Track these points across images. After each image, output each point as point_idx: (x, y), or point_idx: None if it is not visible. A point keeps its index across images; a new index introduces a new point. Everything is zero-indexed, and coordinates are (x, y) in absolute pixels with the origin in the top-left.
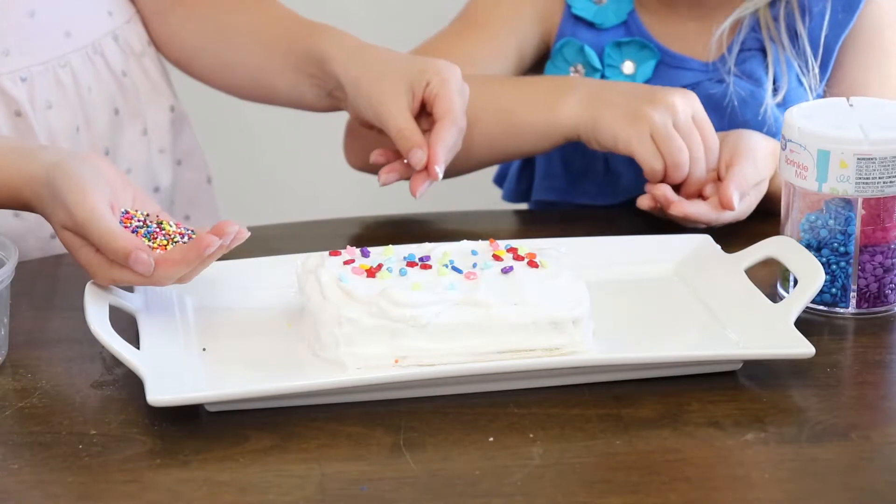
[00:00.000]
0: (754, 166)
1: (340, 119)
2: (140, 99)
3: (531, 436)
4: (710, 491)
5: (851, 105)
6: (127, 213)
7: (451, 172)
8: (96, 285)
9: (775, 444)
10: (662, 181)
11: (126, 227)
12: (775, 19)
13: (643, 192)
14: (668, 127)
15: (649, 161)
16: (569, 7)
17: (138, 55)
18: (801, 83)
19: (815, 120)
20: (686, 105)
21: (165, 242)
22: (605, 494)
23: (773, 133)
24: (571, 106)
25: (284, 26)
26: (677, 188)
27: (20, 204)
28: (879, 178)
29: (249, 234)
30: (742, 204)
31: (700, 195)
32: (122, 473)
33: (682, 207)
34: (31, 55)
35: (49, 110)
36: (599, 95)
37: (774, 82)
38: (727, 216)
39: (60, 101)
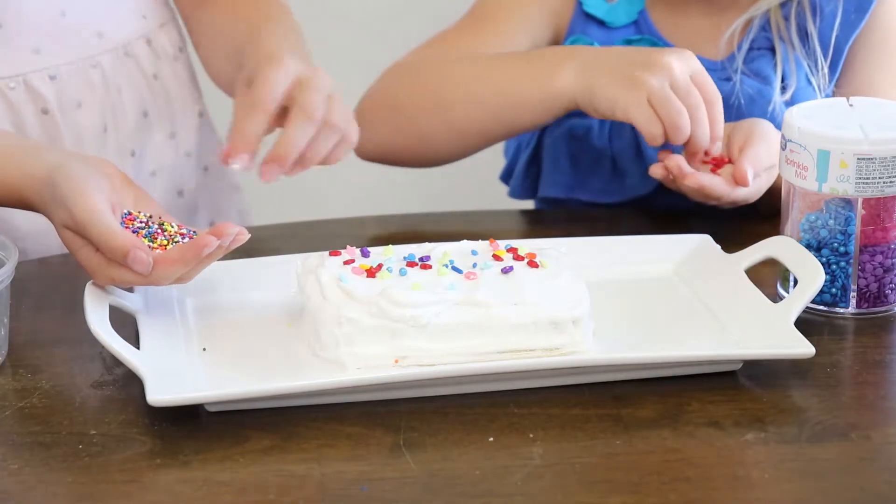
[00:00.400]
0: (768, 149)
1: None
2: (170, 102)
3: (531, 436)
4: (710, 491)
5: (851, 105)
6: (129, 214)
7: (461, 152)
8: (96, 285)
9: (775, 444)
10: (670, 145)
11: (128, 227)
12: (786, 19)
13: (649, 191)
14: (666, 90)
15: (648, 126)
16: (580, 4)
17: (171, 59)
18: (810, 83)
19: (815, 120)
20: (683, 65)
21: (166, 242)
22: (605, 494)
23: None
24: (568, 75)
25: (248, 33)
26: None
27: (24, 203)
28: (879, 178)
29: (249, 235)
30: (754, 184)
31: (714, 164)
32: (122, 473)
33: (697, 178)
34: (62, 54)
35: (78, 109)
36: (595, 62)
37: (783, 80)
38: (740, 192)
39: (89, 100)
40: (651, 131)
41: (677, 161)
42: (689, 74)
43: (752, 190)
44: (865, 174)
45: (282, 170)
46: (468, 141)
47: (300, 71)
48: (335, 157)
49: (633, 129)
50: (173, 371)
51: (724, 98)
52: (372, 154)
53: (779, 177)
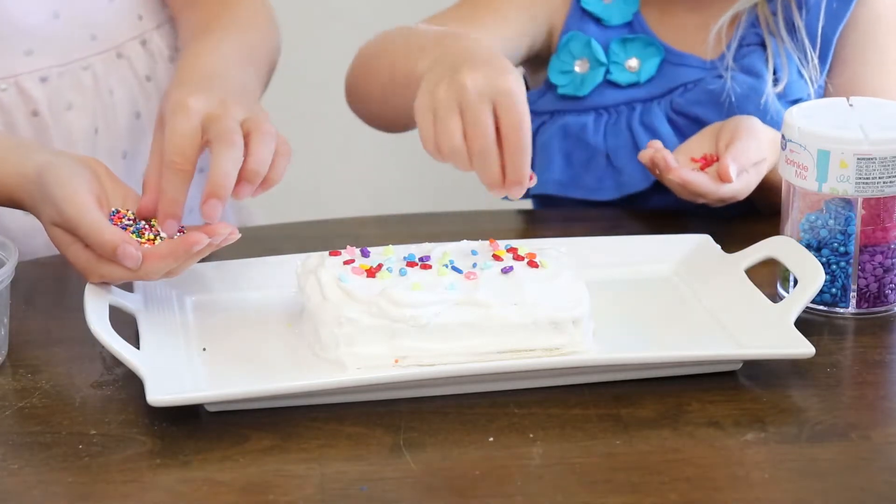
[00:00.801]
0: (756, 144)
1: (339, 120)
2: None
3: (531, 436)
4: (710, 491)
5: (851, 105)
6: (117, 212)
7: (394, 123)
8: (97, 284)
9: (775, 444)
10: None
11: (115, 225)
12: (773, 14)
13: (647, 188)
14: (445, 108)
15: (422, 140)
16: (577, 1)
17: (166, 60)
18: (801, 75)
19: (815, 120)
20: (484, 84)
21: (153, 237)
22: (605, 494)
23: (775, 124)
24: (426, 61)
25: (184, 43)
26: None
27: (13, 202)
28: (879, 178)
29: (240, 235)
30: (740, 181)
31: (703, 162)
32: (122, 473)
33: (680, 173)
34: (54, 56)
35: (68, 111)
36: (444, 57)
37: (774, 74)
38: (726, 189)
39: (79, 102)
40: (424, 144)
41: (664, 154)
42: (492, 97)
43: (740, 187)
44: (865, 174)
45: (223, 204)
46: (390, 113)
47: (207, 109)
48: (278, 170)
49: (628, 125)
50: (173, 371)
51: (715, 96)
52: (353, 110)
53: (779, 176)
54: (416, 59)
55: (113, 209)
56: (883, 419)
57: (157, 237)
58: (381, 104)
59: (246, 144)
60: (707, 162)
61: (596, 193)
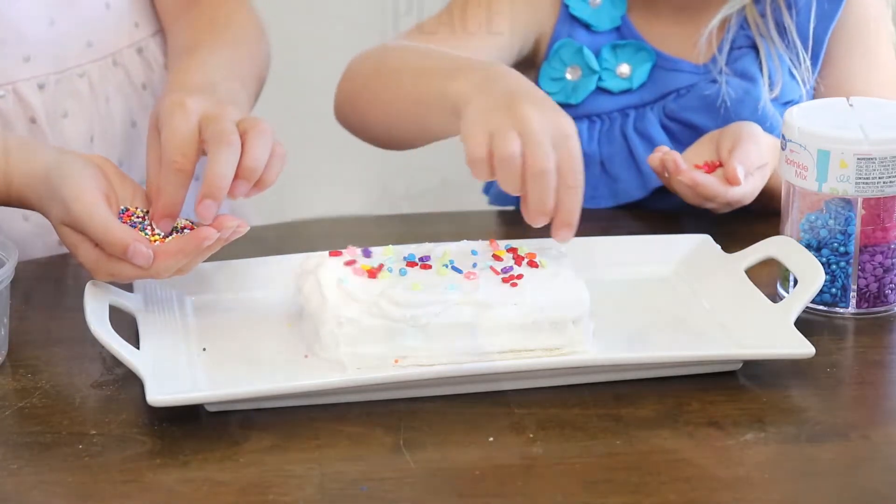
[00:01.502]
0: (758, 148)
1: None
2: None
3: (531, 436)
4: (710, 491)
5: (851, 105)
6: (126, 210)
7: (396, 143)
8: (96, 285)
9: (775, 444)
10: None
11: (125, 223)
12: (762, 15)
13: (644, 197)
14: (506, 128)
15: (472, 147)
16: (566, 7)
17: (162, 68)
18: (793, 77)
19: (815, 120)
20: (545, 123)
21: (163, 235)
22: (605, 494)
23: (771, 128)
24: (464, 82)
25: (176, 58)
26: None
27: (21, 202)
28: (879, 178)
29: (249, 227)
30: (747, 184)
31: (706, 168)
32: (122, 473)
33: (691, 175)
34: (51, 63)
35: (65, 119)
36: (487, 82)
37: (769, 77)
38: (734, 192)
39: (76, 110)
40: (473, 150)
41: (674, 156)
42: (553, 136)
43: (747, 190)
44: (865, 174)
45: (218, 205)
46: (395, 132)
47: (204, 109)
48: (272, 172)
49: (623, 133)
50: (173, 371)
51: (710, 102)
52: (344, 125)
53: (777, 177)
54: (446, 78)
55: (122, 207)
56: (883, 419)
57: (168, 235)
58: (383, 125)
59: (242, 143)
60: (710, 168)
61: (590, 202)
